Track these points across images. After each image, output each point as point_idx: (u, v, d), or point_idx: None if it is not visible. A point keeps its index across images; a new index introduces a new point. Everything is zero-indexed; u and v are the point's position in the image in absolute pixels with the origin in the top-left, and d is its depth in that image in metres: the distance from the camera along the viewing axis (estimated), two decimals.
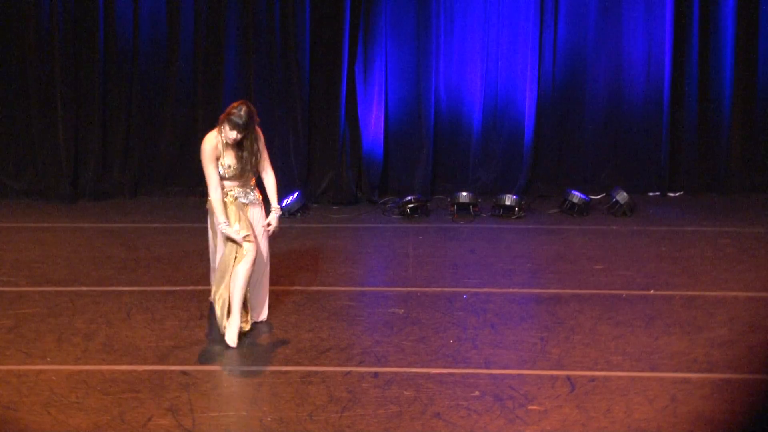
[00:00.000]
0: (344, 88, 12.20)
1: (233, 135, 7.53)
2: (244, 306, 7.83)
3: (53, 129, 12.21)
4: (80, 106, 12.25)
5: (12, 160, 12.40)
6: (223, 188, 7.68)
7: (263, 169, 7.85)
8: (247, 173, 7.71)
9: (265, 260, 7.99)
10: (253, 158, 7.68)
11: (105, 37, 12.13)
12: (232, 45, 12.17)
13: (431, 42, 12.29)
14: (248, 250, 7.63)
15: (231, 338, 7.66)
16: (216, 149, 7.60)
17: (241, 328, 7.76)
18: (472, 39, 12.38)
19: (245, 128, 7.53)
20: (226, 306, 7.67)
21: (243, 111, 7.51)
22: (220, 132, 7.59)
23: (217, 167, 7.62)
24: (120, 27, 12.16)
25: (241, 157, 7.64)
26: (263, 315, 8.12)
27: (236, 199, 7.72)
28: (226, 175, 7.66)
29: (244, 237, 7.58)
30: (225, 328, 7.68)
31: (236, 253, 7.65)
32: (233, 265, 7.65)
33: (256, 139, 7.66)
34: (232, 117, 7.50)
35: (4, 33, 12.18)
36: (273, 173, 7.93)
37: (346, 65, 12.16)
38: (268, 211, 7.90)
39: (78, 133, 12.27)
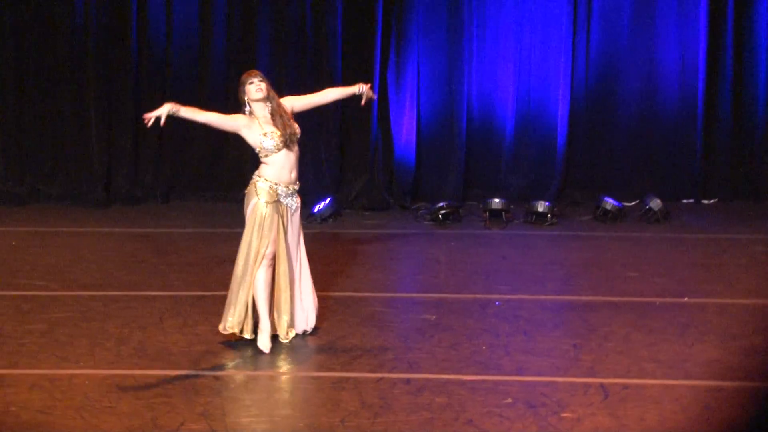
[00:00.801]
0: (376, 94, 12.18)
1: (258, 86, 7.63)
2: (277, 313, 7.83)
3: (86, 134, 12.28)
4: (113, 111, 12.32)
5: (45, 165, 12.48)
6: (272, 176, 7.68)
7: (306, 103, 7.93)
8: (290, 136, 7.65)
9: (303, 265, 7.92)
10: (284, 115, 7.71)
11: (138, 42, 12.20)
12: (264, 50, 12.20)
13: (463, 47, 12.28)
14: (265, 256, 7.63)
15: (264, 344, 7.65)
16: (244, 120, 7.67)
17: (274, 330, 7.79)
18: (504, 44, 12.36)
19: (255, 72, 7.72)
20: (245, 309, 7.66)
21: (248, 71, 7.80)
22: (250, 112, 7.65)
23: (226, 121, 7.72)
24: (152, 32, 12.22)
25: (275, 118, 7.67)
26: (312, 322, 8.05)
27: (278, 197, 7.66)
28: (277, 146, 7.62)
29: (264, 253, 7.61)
30: (260, 331, 7.68)
31: (255, 259, 7.63)
32: (253, 272, 7.64)
33: (274, 99, 7.76)
34: (246, 77, 7.70)
35: (38, 39, 12.26)
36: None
37: (378, 71, 12.17)
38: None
39: (111, 138, 12.33)
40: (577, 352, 7.73)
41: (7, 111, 12.30)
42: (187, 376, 7.22)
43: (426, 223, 11.70)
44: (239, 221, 7.89)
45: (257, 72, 7.77)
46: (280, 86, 12.27)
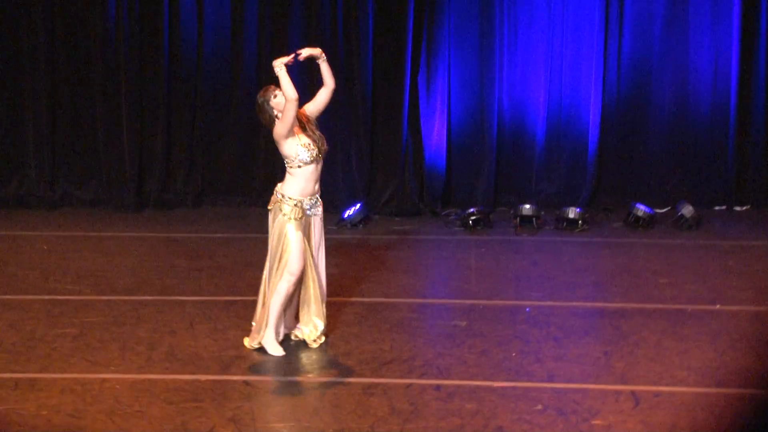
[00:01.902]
0: (407, 98, 12.21)
1: (280, 97, 7.62)
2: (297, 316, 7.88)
3: (118, 140, 12.34)
4: (145, 117, 12.38)
5: (78, 170, 12.55)
6: (297, 192, 7.68)
7: (316, 107, 7.87)
8: (320, 147, 7.69)
9: (322, 270, 7.94)
10: (313, 121, 7.76)
11: (169, 49, 12.25)
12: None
13: (494, 53, 12.25)
14: (294, 269, 7.65)
15: (275, 349, 7.69)
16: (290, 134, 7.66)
17: (297, 336, 7.84)
18: (535, 50, 12.33)
19: (271, 87, 7.71)
20: (275, 315, 7.70)
21: (262, 89, 7.78)
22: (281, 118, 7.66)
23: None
24: (184, 38, 12.27)
25: (306, 128, 7.70)
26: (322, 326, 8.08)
27: (304, 212, 7.69)
28: (308, 158, 7.64)
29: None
30: (269, 338, 7.73)
31: (281, 271, 7.66)
32: (278, 282, 7.67)
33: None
34: (266, 94, 7.69)
35: (70, 45, 12.33)
36: None
37: (408, 76, 12.17)
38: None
39: (143, 143, 12.39)
40: (608, 358, 7.70)
41: (40, 116, 12.38)
42: (217, 381, 7.24)
43: (456, 228, 11.68)
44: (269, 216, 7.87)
45: (273, 86, 7.72)
46: (312, 92, 12.24)
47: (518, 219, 11.73)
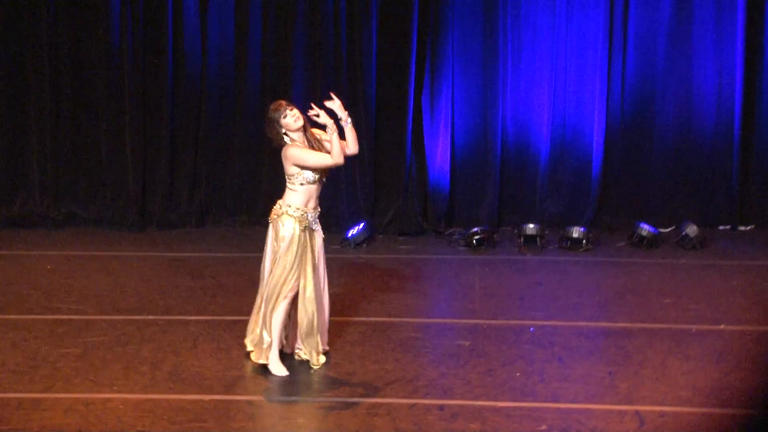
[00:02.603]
0: (410, 117, 12.21)
1: (292, 113, 7.62)
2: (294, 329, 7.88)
3: (122, 159, 12.34)
4: (148, 135, 12.38)
5: (81, 190, 12.53)
6: (300, 204, 7.67)
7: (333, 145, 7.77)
8: (324, 169, 7.71)
9: (323, 287, 7.94)
10: (318, 142, 7.74)
11: (173, 68, 12.25)
12: (299, 74, 12.22)
13: (498, 72, 12.26)
14: (292, 289, 7.66)
15: (279, 369, 7.68)
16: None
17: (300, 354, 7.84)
18: (539, 69, 12.33)
19: (284, 103, 7.68)
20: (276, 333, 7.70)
21: (271, 105, 7.72)
22: (291, 140, 7.63)
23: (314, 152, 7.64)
24: (188, 56, 12.27)
25: (314, 146, 7.71)
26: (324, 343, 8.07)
27: (308, 225, 7.69)
28: (312, 178, 7.64)
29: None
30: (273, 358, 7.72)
31: (282, 288, 7.66)
32: (278, 300, 7.66)
33: (307, 127, 7.76)
34: (277, 111, 7.63)
35: (73, 65, 12.33)
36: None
37: (412, 95, 12.18)
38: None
39: (146, 162, 12.39)
40: (612, 378, 7.68)
41: (44, 135, 12.38)
42: (220, 401, 7.22)
43: (460, 248, 11.67)
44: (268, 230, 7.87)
45: (285, 102, 7.74)
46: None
47: (522, 238, 11.71)
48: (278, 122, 7.65)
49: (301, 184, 7.66)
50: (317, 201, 7.79)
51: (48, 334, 8.60)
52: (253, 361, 7.83)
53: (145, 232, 12.27)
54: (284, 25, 12.24)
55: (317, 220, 7.81)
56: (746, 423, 6.76)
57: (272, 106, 7.73)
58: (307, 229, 7.69)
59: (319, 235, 7.83)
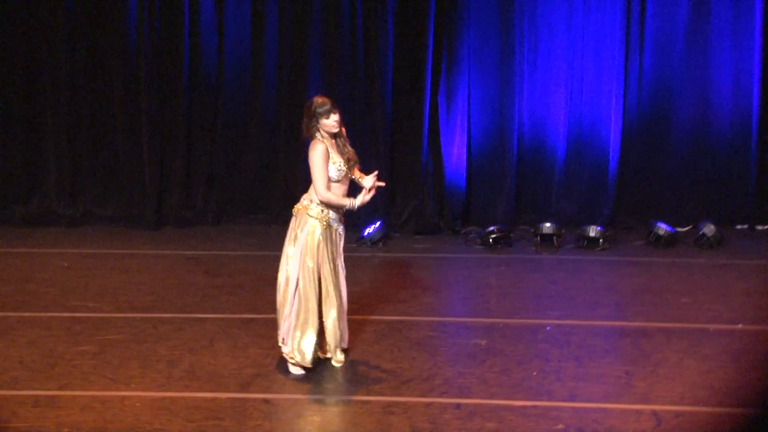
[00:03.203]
0: (427, 117, 12.20)
1: (335, 117, 7.52)
2: (323, 335, 7.83)
3: (138, 157, 12.37)
4: (165, 134, 12.40)
5: (98, 188, 12.58)
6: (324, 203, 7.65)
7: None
8: (350, 170, 7.68)
9: (343, 288, 7.92)
10: (350, 148, 7.70)
11: (190, 66, 12.28)
12: (315, 73, 12.23)
13: (514, 72, 12.24)
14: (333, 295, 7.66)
15: (303, 362, 7.67)
16: (327, 152, 7.57)
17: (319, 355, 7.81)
18: (556, 68, 12.31)
19: (330, 101, 7.55)
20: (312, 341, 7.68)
21: (319, 98, 7.59)
22: (322, 136, 7.58)
23: (328, 171, 7.57)
24: (205, 56, 12.30)
25: (343, 152, 7.65)
26: (345, 341, 8.05)
27: (329, 224, 7.66)
28: (337, 177, 7.60)
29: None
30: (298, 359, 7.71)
31: (314, 293, 7.64)
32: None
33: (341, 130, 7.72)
34: (320, 107, 7.51)
35: (91, 64, 12.37)
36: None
37: (428, 95, 12.17)
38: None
39: (163, 161, 12.41)
40: (629, 378, 7.66)
41: (61, 134, 12.43)
42: (237, 399, 7.23)
43: (476, 247, 11.66)
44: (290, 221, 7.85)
45: (332, 103, 7.57)
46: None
47: (538, 237, 11.70)
48: (318, 120, 7.56)
49: None
50: (345, 197, 7.71)
51: (65, 331, 8.62)
52: (278, 354, 7.78)
53: (161, 230, 12.30)
54: (301, 26, 12.23)
55: (340, 222, 7.75)
56: (763, 423, 6.73)
57: (319, 100, 7.56)
58: (329, 228, 7.66)
59: (339, 236, 7.79)
